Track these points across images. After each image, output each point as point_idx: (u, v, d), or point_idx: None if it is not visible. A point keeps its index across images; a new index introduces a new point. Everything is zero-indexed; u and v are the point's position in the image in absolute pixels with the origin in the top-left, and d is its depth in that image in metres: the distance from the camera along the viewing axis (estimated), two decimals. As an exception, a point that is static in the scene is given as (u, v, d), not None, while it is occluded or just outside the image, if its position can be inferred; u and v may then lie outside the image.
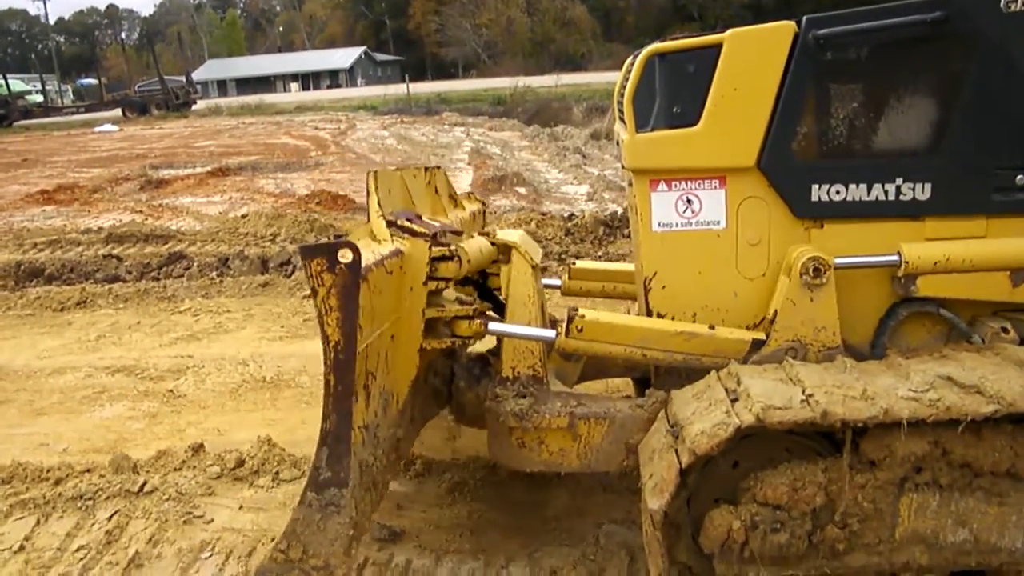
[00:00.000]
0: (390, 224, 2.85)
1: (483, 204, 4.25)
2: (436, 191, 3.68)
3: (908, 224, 2.93)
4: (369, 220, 2.89)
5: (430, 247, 2.79)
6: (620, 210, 9.36)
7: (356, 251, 2.22)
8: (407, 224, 2.85)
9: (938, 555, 2.65)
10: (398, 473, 3.05)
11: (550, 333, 3.04)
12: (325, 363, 2.30)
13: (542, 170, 15.23)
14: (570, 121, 24.03)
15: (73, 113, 47.56)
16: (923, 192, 2.89)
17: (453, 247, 2.87)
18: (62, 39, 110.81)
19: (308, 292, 7.17)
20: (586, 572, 3.14)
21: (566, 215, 9.65)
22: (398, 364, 2.84)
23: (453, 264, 2.85)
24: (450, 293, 3.03)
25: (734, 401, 2.58)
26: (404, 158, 18.22)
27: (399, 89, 43.71)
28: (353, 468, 2.41)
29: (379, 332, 2.62)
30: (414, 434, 3.23)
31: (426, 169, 3.66)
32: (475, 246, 3.09)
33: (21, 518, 3.85)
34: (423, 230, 2.84)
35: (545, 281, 3.86)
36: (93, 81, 51.89)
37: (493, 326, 3.04)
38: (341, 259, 2.21)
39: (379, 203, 2.88)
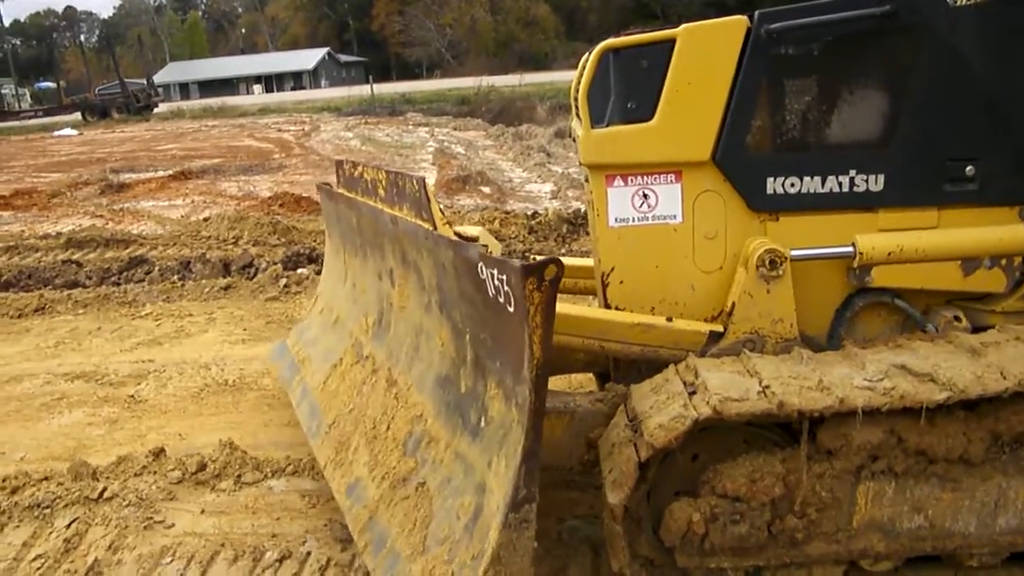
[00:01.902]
0: (456, 235, 2.84)
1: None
2: None
3: (862, 215, 2.98)
4: (435, 228, 2.87)
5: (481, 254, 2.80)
6: (584, 208, 9.38)
7: (560, 266, 2.20)
8: (461, 233, 2.85)
9: (895, 542, 2.69)
10: None
11: None
12: (528, 382, 2.28)
13: (506, 169, 15.25)
14: (534, 120, 24.09)
15: (31, 117, 46.91)
16: (876, 183, 2.94)
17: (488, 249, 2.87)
18: (18, 42, 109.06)
19: (271, 295, 7.15)
20: (549, 568, 3.14)
21: (530, 213, 9.66)
22: None
23: None
24: None
25: (692, 394, 2.60)
26: (368, 159, 18.14)
27: (363, 90, 43.55)
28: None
29: None
30: None
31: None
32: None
33: (-24, 528, 3.79)
34: (471, 236, 2.85)
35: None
36: (51, 84, 51.28)
37: None
38: (547, 276, 2.19)
39: (441, 211, 2.89)
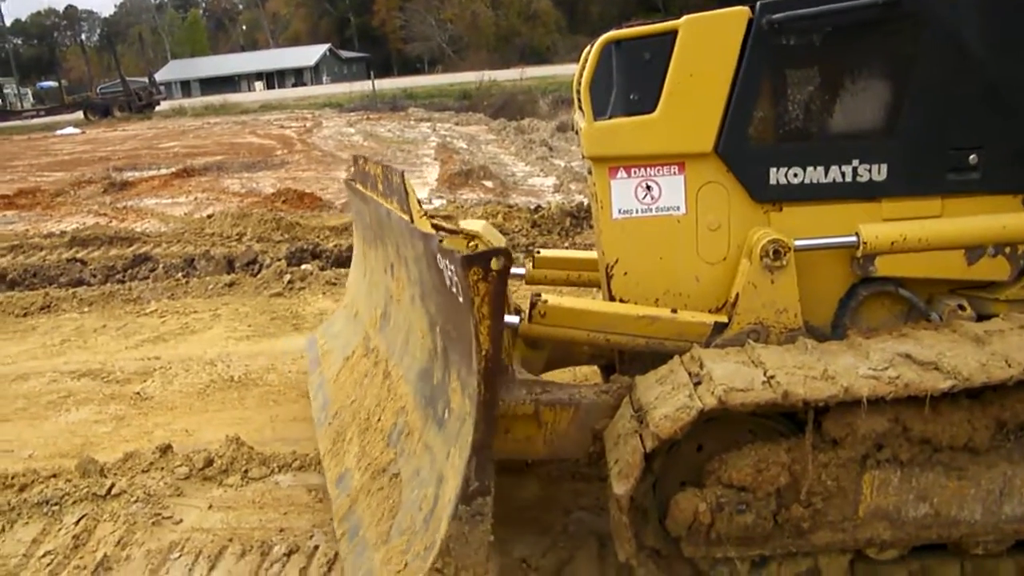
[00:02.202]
0: (434, 226, 2.86)
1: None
2: None
3: (865, 205, 2.98)
4: (412, 221, 2.88)
5: (467, 244, 2.80)
6: (587, 201, 9.39)
7: (508, 257, 2.22)
8: (443, 224, 2.87)
9: (900, 530, 2.69)
10: None
11: (514, 319, 3.05)
12: (477, 373, 2.29)
13: (509, 163, 15.25)
14: (536, 114, 24.06)
15: (33, 116, 46.88)
16: (879, 173, 2.93)
17: (475, 243, 2.88)
18: (20, 41, 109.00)
19: (276, 291, 7.17)
20: (556, 560, 3.16)
21: (533, 207, 9.66)
22: None
23: None
24: None
25: (697, 384, 2.60)
26: (371, 155, 18.14)
27: (364, 86, 43.45)
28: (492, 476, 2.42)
29: None
30: None
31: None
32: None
33: (-14, 525, 3.81)
34: (453, 227, 2.85)
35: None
36: (53, 84, 51.21)
37: None
38: (494, 267, 2.20)
39: (419, 202, 2.90)
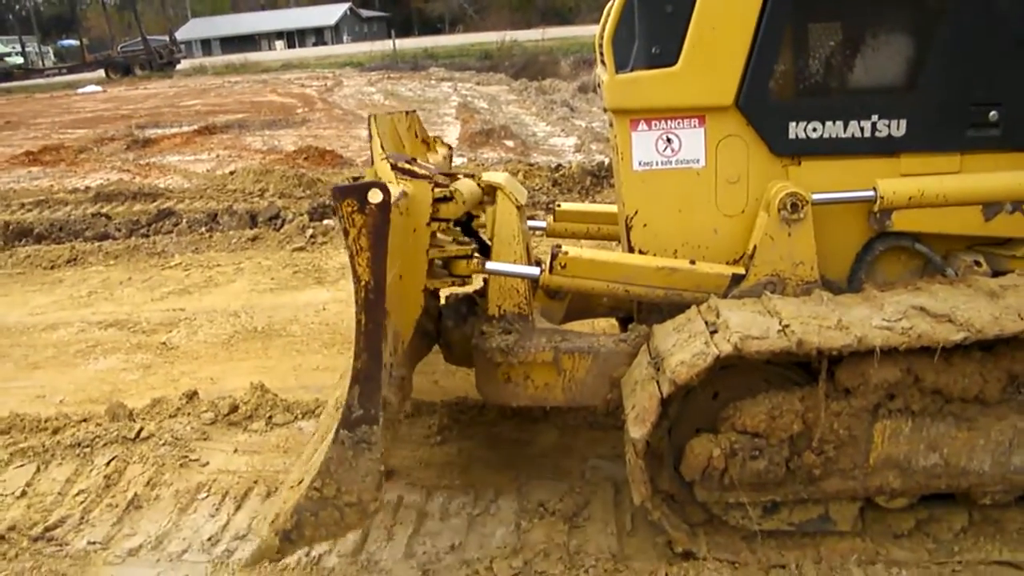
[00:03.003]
0: (394, 167, 2.89)
1: (449, 148, 4.30)
2: (416, 135, 3.73)
3: (884, 160, 2.99)
4: (373, 164, 2.92)
5: (433, 188, 2.84)
6: (607, 160, 9.39)
7: (386, 191, 2.25)
8: (407, 166, 2.90)
9: (910, 479, 2.75)
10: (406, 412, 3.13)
11: (534, 270, 3.10)
12: (356, 303, 2.32)
13: (530, 123, 15.20)
14: (558, 75, 23.85)
15: (55, 75, 46.94)
16: (898, 129, 2.95)
17: (452, 188, 2.92)
18: (40, 0, 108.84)
19: (298, 245, 7.26)
20: (572, 504, 3.23)
21: (554, 166, 9.66)
22: (405, 305, 2.89)
23: (453, 205, 2.91)
24: (448, 235, 3.09)
25: (713, 333, 2.65)
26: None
27: (385, 45, 43.23)
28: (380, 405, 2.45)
29: (395, 272, 2.66)
30: (411, 374, 3.30)
31: (407, 113, 3.70)
32: (467, 187, 3.14)
33: (21, 466, 3.93)
34: (424, 172, 2.88)
35: (531, 223, 3.93)
36: (74, 42, 51.16)
37: (491, 266, 3.11)
38: (371, 199, 2.24)
39: (382, 146, 2.92)
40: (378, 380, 2.37)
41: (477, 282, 3.30)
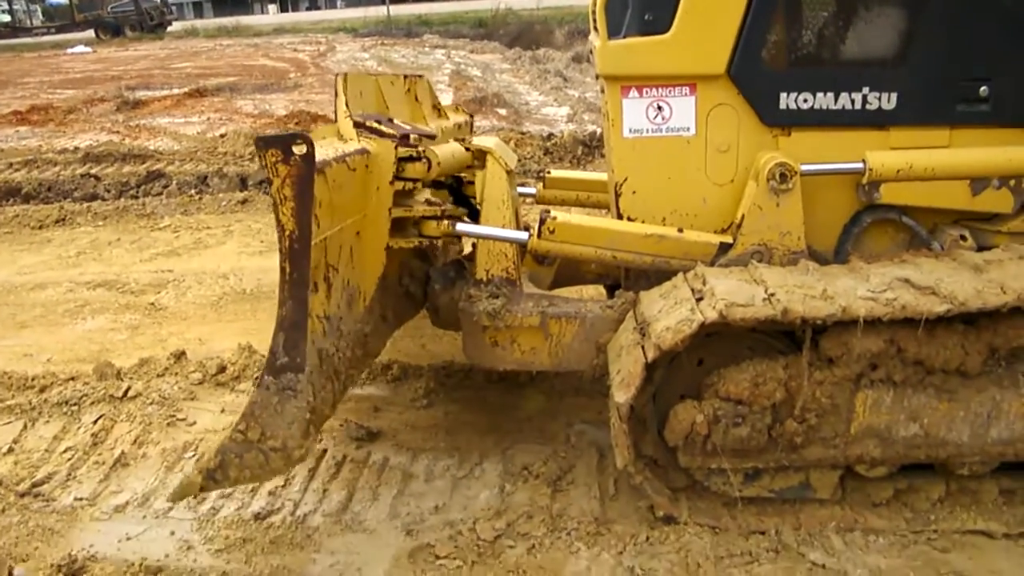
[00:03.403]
0: (358, 125, 2.91)
1: (470, 116, 4.29)
2: (416, 99, 3.72)
3: (873, 133, 3.00)
4: (337, 120, 2.93)
5: (396, 147, 2.85)
6: (599, 130, 9.36)
7: (310, 144, 2.28)
8: (375, 125, 2.90)
9: (890, 449, 2.79)
10: (366, 368, 3.15)
11: (523, 235, 3.11)
12: (280, 251, 2.36)
13: (523, 92, 15.12)
14: (552, 44, 23.68)
15: (44, 34, 46.40)
16: (889, 102, 2.96)
17: (421, 149, 2.93)
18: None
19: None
20: (557, 468, 3.27)
21: (545, 135, 9.64)
22: (365, 261, 2.91)
23: (421, 165, 2.92)
24: (420, 195, 3.09)
25: (699, 300, 2.67)
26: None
27: (379, 11, 42.88)
28: (311, 355, 2.48)
29: (341, 227, 2.68)
30: (387, 334, 3.32)
31: (406, 77, 3.69)
32: (447, 150, 3.14)
33: (8, 423, 3.95)
34: (391, 131, 2.89)
35: (520, 190, 3.94)
36: (63, 1, 50.39)
37: (461, 227, 3.12)
38: (296, 151, 2.27)
39: (347, 104, 2.93)
40: (304, 329, 2.41)
41: (467, 247, 3.31)
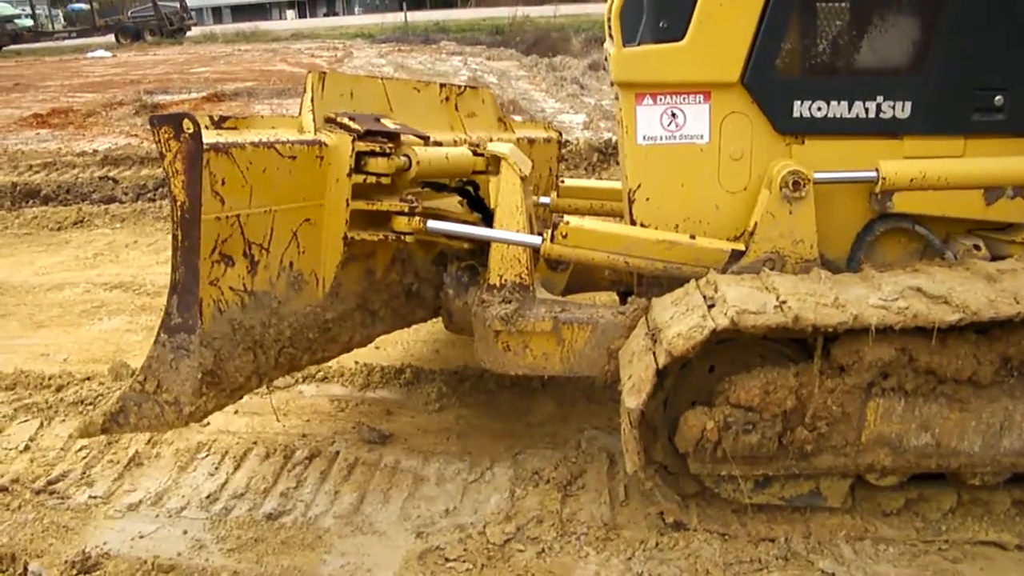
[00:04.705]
0: (329, 120, 3.01)
1: (558, 133, 4.33)
2: (456, 108, 3.76)
3: (887, 142, 3.01)
4: (300, 114, 3.04)
5: (354, 141, 2.92)
6: (615, 138, 9.37)
7: (197, 124, 2.43)
8: (344, 121, 2.99)
9: (901, 458, 2.78)
10: (334, 353, 3.21)
11: (536, 239, 3.13)
12: (172, 220, 2.51)
13: (539, 99, 15.14)
14: (569, 52, 23.70)
15: (65, 38, 46.68)
16: (903, 111, 2.96)
17: (390, 146, 3.00)
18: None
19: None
20: (567, 473, 3.28)
21: (561, 142, 9.64)
22: (320, 249, 3.01)
23: (386, 161, 2.98)
24: (404, 193, 3.14)
25: (711, 307, 2.68)
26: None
27: (397, 17, 43.00)
28: (219, 323, 2.63)
29: (269, 209, 2.78)
30: (375, 329, 3.36)
31: (442, 86, 3.76)
32: (437, 152, 3.18)
33: (25, 421, 3.99)
34: (356, 127, 2.95)
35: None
36: (84, 6, 50.59)
37: (433, 224, 3.14)
38: (185, 128, 2.43)
39: (312, 100, 3.03)
40: (195, 293, 2.54)
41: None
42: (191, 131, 2.43)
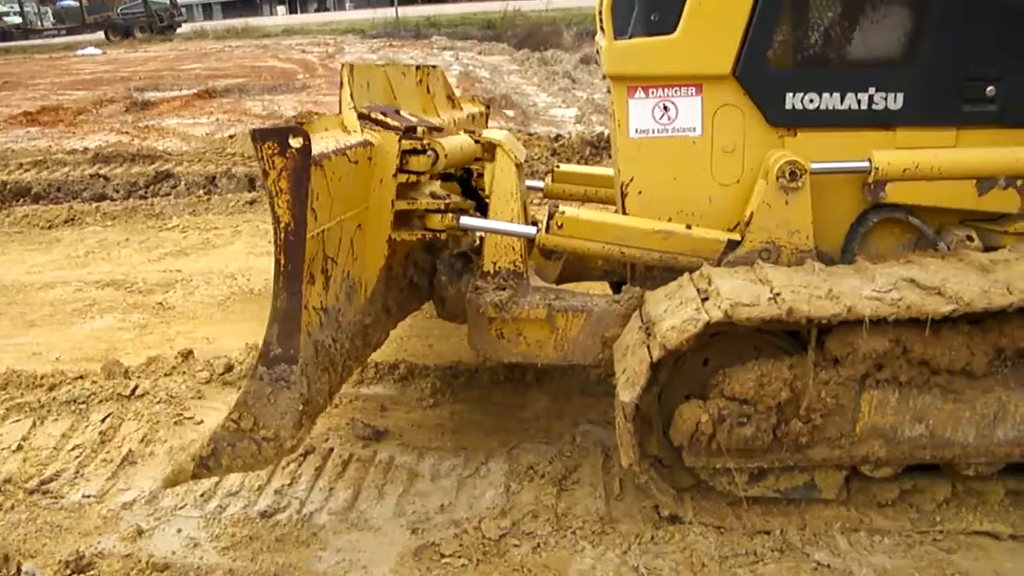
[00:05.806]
0: (362, 117, 2.90)
1: (486, 107, 4.28)
2: (428, 90, 3.72)
3: (880, 133, 3.01)
4: (340, 111, 2.94)
5: (400, 140, 2.85)
6: (607, 131, 9.37)
7: (307, 137, 2.27)
8: (380, 117, 2.90)
9: (895, 449, 2.78)
10: (366, 358, 3.16)
11: (531, 229, 3.12)
12: (275, 244, 2.35)
13: (531, 93, 15.14)
14: (560, 45, 23.68)
15: (54, 36, 46.58)
16: (895, 102, 2.96)
17: (426, 141, 2.92)
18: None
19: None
20: (562, 468, 3.27)
21: (553, 136, 9.65)
22: (366, 253, 2.92)
23: (425, 158, 2.90)
24: (427, 188, 3.09)
25: (704, 299, 2.68)
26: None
27: (388, 13, 42.86)
28: (306, 346, 2.48)
29: (340, 219, 2.67)
30: (389, 325, 3.32)
31: (418, 67, 3.69)
32: (454, 142, 3.14)
33: (17, 420, 3.97)
34: (396, 123, 2.88)
35: (528, 183, 3.95)
36: (73, 3, 50.45)
37: (466, 220, 3.09)
38: (292, 144, 2.26)
39: (352, 95, 2.93)
40: (298, 320, 2.41)
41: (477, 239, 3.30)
42: (299, 146, 2.26)
